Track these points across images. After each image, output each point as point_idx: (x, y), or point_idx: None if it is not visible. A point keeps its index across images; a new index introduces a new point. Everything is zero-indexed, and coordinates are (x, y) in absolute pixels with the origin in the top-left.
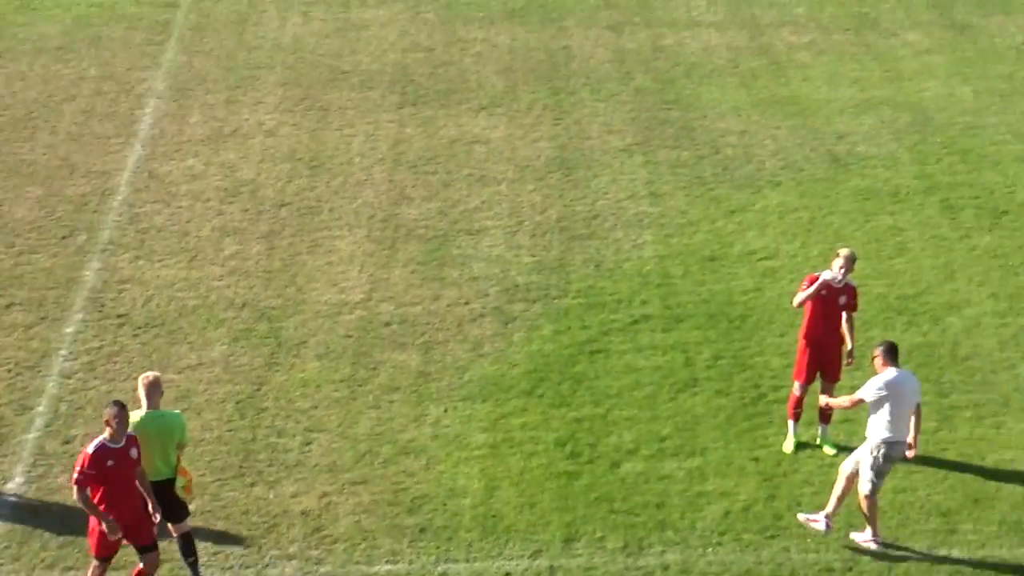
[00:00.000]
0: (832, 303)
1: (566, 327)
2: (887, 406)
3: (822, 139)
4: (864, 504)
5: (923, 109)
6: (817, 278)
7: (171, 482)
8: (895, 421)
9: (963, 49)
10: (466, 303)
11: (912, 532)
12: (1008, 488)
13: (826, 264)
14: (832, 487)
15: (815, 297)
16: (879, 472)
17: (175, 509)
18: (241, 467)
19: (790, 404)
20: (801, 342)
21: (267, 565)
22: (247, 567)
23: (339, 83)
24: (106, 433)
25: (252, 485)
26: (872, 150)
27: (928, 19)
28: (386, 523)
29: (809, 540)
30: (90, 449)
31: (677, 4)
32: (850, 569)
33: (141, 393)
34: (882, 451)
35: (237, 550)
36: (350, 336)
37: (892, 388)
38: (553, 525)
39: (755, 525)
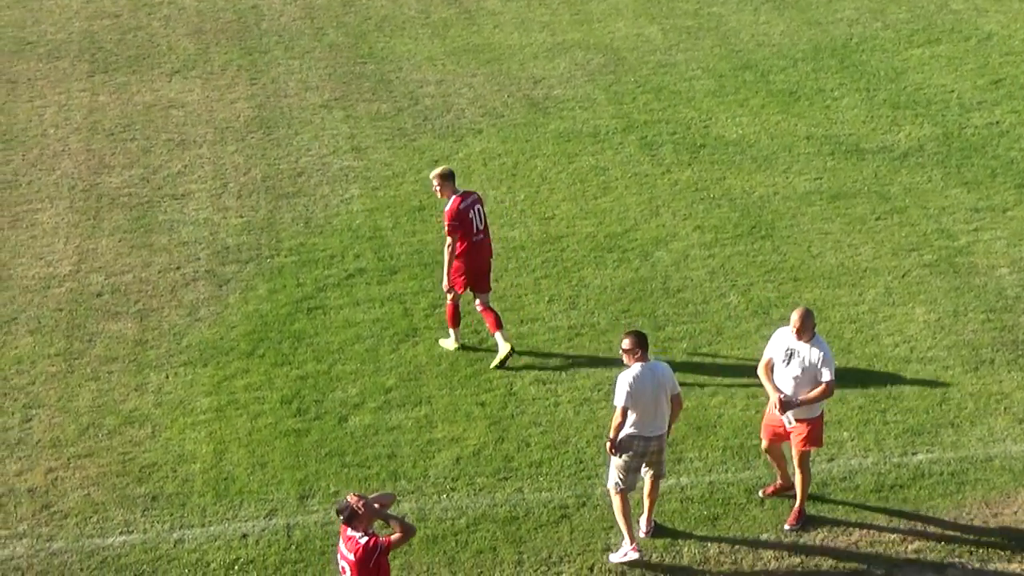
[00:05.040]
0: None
1: (281, 285)
2: None
3: (519, 84)
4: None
5: (615, 50)
6: (455, 210)
7: None
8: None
9: None
10: (178, 268)
11: None
12: (728, 414)
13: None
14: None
15: (465, 221)
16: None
17: None
18: None
19: (449, 313)
20: (456, 263)
21: None
22: None
23: (25, 54)
24: None
25: None
26: (569, 92)
27: None
28: (116, 494)
29: (542, 480)
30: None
31: None
32: (583, 504)
33: None
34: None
35: None
36: (61, 309)
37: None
38: (286, 483)
39: (487, 468)
